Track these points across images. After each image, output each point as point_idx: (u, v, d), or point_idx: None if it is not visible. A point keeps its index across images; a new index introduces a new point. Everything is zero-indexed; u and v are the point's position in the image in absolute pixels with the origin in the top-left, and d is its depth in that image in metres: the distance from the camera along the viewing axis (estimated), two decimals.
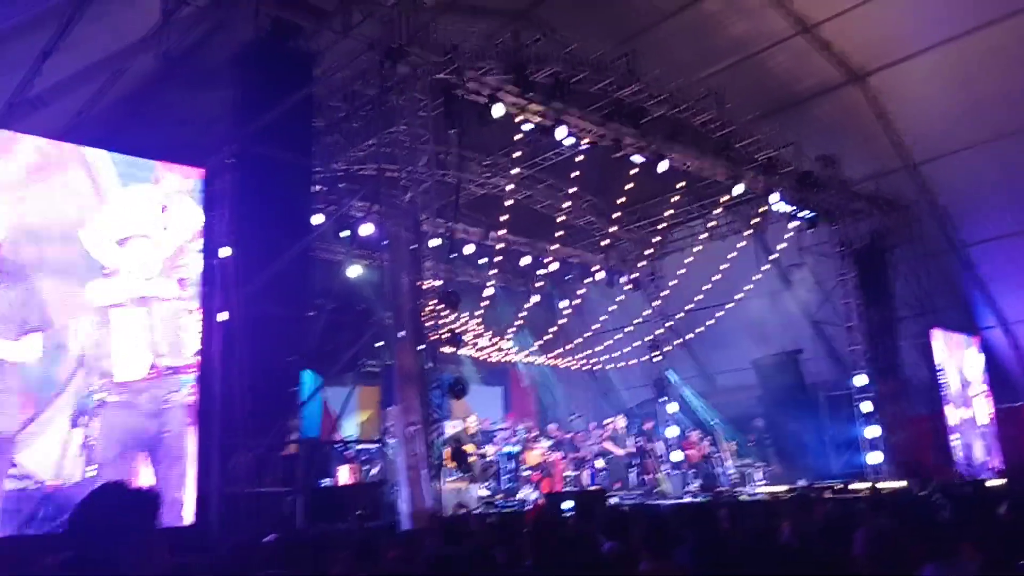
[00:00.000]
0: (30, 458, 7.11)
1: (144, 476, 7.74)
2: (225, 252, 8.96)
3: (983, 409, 17.41)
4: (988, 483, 11.59)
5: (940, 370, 16.00)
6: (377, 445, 13.99)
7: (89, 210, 7.96)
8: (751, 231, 16.90)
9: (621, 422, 16.16)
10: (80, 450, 7.35)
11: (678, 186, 15.61)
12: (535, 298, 18.28)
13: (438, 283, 10.41)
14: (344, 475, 13.18)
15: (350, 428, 15.86)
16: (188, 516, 7.94)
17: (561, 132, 12.14)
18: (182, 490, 7.97)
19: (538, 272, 18.06)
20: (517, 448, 14.39)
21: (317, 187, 10.85)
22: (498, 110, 11.16)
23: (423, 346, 9.66)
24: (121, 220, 8.11)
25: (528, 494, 13.31)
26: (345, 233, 13.77)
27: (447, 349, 10.89)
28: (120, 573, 1.98)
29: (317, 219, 11.08)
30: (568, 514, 9.51)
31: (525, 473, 14.14)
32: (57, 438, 7.26)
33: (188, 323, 8.41)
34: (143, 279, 8.14)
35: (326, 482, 12.51)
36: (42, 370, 7.34)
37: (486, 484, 13.38)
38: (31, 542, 6.83)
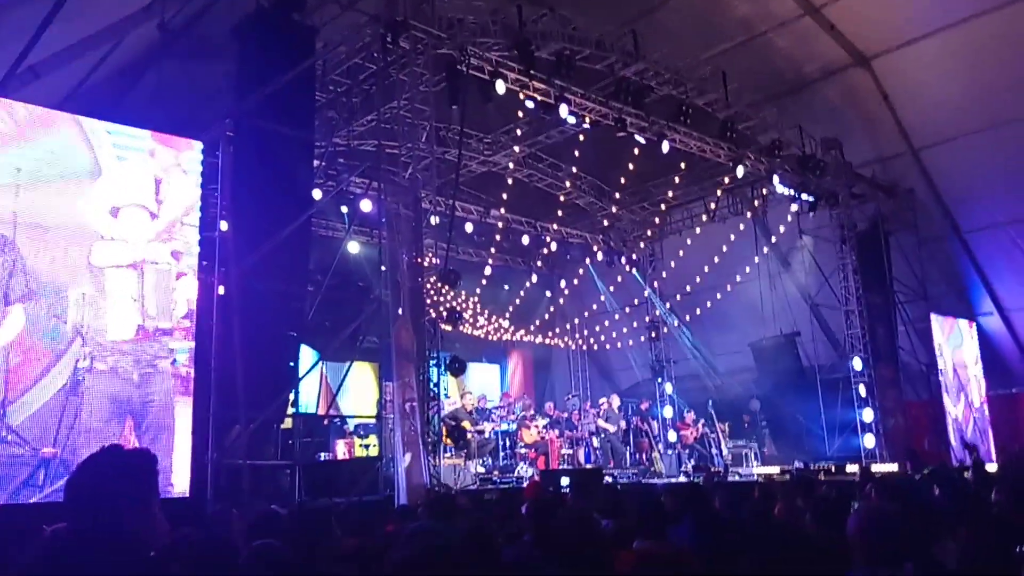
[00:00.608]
0: (27, 425, 7.17)
1: (130, 444, 7.76)
2: (223, 226, 8.94)
3: (977, 395, 17.50)
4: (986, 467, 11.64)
5: (938, 355, 16.06)
6: (374, 420, 14.06)
7: (87, 180, 7.94)
8: (751, 213, 16.88)
9: (615, 401, 16.24)
10: (74, 419, 7.40)
11: (680, 167, 15.58)
12: (535, 277, 18.30)
13: (437, 261, 10.39)
14: (341, 450, 13.26)
15: (347, 403, 15.92)
16: (178, 486, 7.97)
17: (563, 110, 12.07)
18: (169, 460, 7.95)
19: (538, 251, 18.05)
20: (514, 426, 14.46)
21: (317, 162, 10.79)
22: (501, 87, 11.09)
23: (422, 323, 9.67)
24: (116, 190, 8.10)
25: (524, 471, 13.39)
26: (344, 209, 13.75)
27: (446, 327, 10.90)
28: (120, 543, 1.97)
29: (316, 194, 11.04)
30: (564, 491, 9.57)
31: (522, 451, 14.22)
32: (53, 406, 7.31)
33: (178, 286, 8.38)
34: (135, 246, 8.13)
35: (324, 456, 12.60)
36: (39, 338, 7.36)
37: (482, 461, 13.45)
38: (30, 510, 6.89)
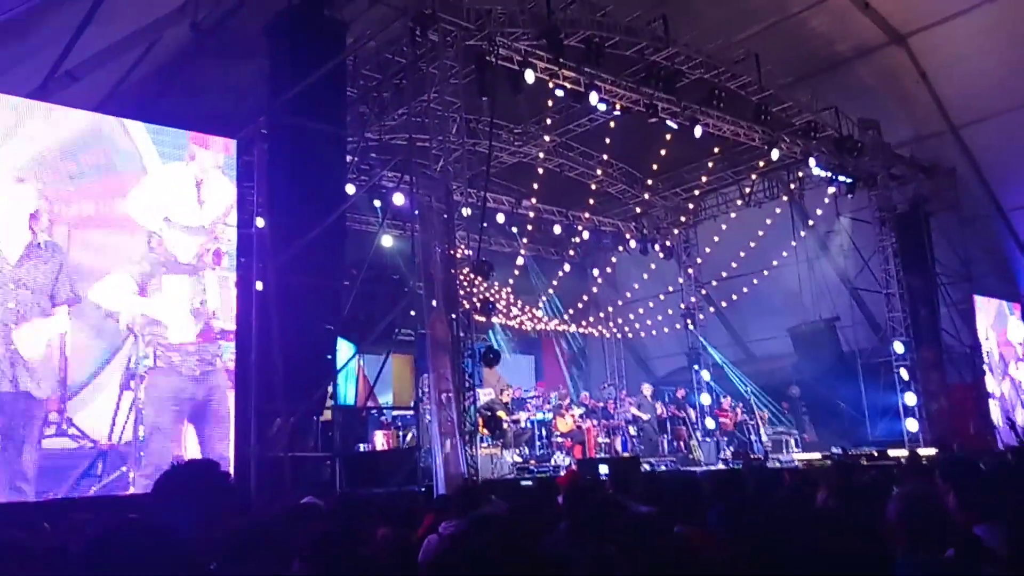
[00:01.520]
0: (84, 419, 7.53)
1: (190, 437, 8.07)
2: (260, 223, 9.07)
3: (1022, 375, 17.12)
4: None
5: (983, 338, 15.74)
6: (412, 412, 14.16)
7: (134, 184, 8.22)
8: (788, 197, 16.65)
9: (647, 390, 16.18)
10: (130, 413, 7.74)
11: (713, 152, 15.42)
12: (567, 266, 18.25)
13: (469, 252, 10.42)
14: (380, 441, 13.40)
15: (385, 395, 16.07)
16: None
17: (593, 98, 12.01)
18: (227, 452, 8.25)
19: (571, 240, 18.00)
20: (549, 415, 14.48)
21: (349, 157, 10.87)
22: (530, 76, 11.07)
23: (455, 315, 9.72)
24: (162, 193, 8.35)
25: (560, 460, 13.42)
26: (377, 203, 13.85)
27: (479, 318, 10.94)
28: (180, 537, 2.07)
29: (349, 189, 11.13)
30: (603, 478, 9.57)
31: (558, 440, 14.24)
32: (109, 401, 7.67)
33: (227, 292, 8.63)
34: (184, 250, 8.36)
35: (363, 448, 12.74)
36: (94, 337, 7.70)
37: (519, 451, 13.50)
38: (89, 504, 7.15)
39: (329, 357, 9.39)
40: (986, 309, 16.26)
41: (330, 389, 9.66)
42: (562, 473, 10.28)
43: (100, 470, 7.50)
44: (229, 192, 8.87)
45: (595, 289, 19.29)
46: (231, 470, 8.21)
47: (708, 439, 16.37)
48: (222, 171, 8.87)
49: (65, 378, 7.45)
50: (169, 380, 8.03)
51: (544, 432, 14.36)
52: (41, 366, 7.36)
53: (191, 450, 8.06)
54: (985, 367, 15.82)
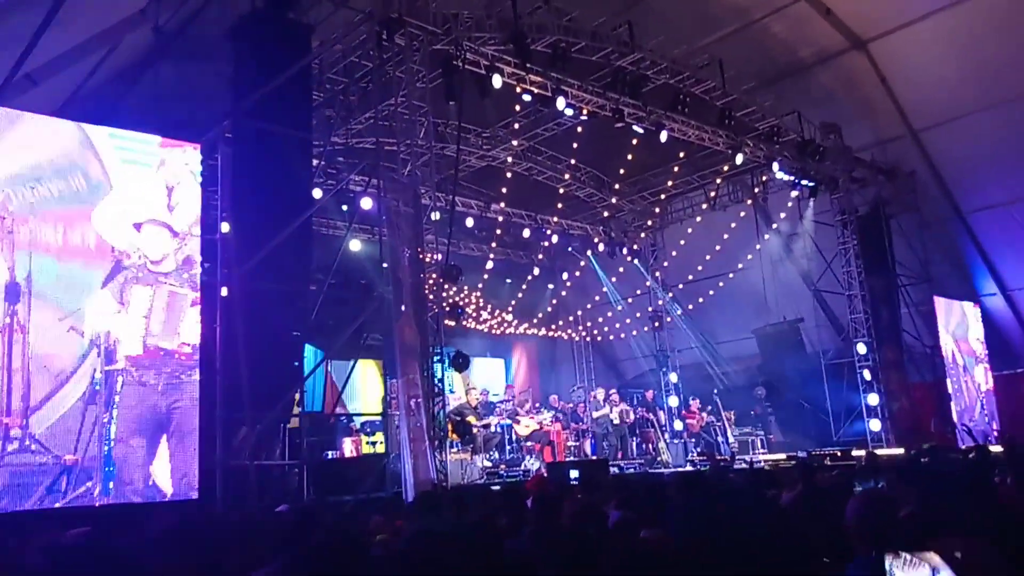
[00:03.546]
0: (48, 434, 7.37)
1: (159, 451, 7.93)
2: (225, 228, 8.96)
3: (983, 376, 17.50)
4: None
5: (945, 348, 16.07)
6: (380, 418, 14.10)
7: (99, 193, 8.03)
8: (752, 201, 16.86)
9: (600, 394, 16.21)
10: (93, 427, 7.59)
11: (679, 156, 15.56)
12: (536, 270, 18.30)
13: (438, 257, 10.40)
14: (348, 448, 13.31)
15: (354, 401, 15.97)
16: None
17: (560, 103, 12.06)
18: (194, 464, 8.12)
19: (540, 244, 18.05)
20: (508, 421, 14.48)
21: (316, 161, 10.80)
22: (497, 81, 11.09)
23: (425, 320, 9.69)
24: (131, 204, 8.20)
25: (531, 464, 13.44)
26: (345, 207, 13.75)
27: (449, 322, 10.92)
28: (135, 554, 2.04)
29: (316, 193, 11.05)
30: (573, 483, 9.61)
31: (528, 444, 14.26)
32: (74, 415, 7.52)
33: (194, 303, 8.51)
34: (152, 261, 8.25)
35: (331, 455, 12.65)
36: (56, 351, 7.51)
37: (489, 455, 13.49)
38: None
39: (296, 364, 9.30)
40: (945, 310, 16.60)
41: (297, 396, 9.57)
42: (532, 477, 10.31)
43: (64, 485, 7.36)
44: (198, 196, 8.79)
45: (564, 293, 19.36)
46: (196, 481, 8.11)
47: (676, 440, 16.51)
48: (193, 175, 8.76)
49: (28, 393, 7.28)
50: (135, 393, 7.87)
51: (514, 436, 14.37)
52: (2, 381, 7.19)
53: (159, 464, 7.92)
54: (947, 365, 16.14)
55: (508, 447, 14.23)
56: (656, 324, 18.62)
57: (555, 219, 17.50)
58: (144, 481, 7.81)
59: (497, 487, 9.97)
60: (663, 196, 17.65)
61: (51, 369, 7.45)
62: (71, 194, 7.83)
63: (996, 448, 13.17)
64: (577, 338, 20.37)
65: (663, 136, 13.42)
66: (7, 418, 7.17)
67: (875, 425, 15.00)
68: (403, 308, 9.58)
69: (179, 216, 8.53)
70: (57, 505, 7.28)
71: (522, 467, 13.30)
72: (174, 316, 8.30)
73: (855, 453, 12.41)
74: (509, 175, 15.36)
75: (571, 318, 19.85)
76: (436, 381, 9.78)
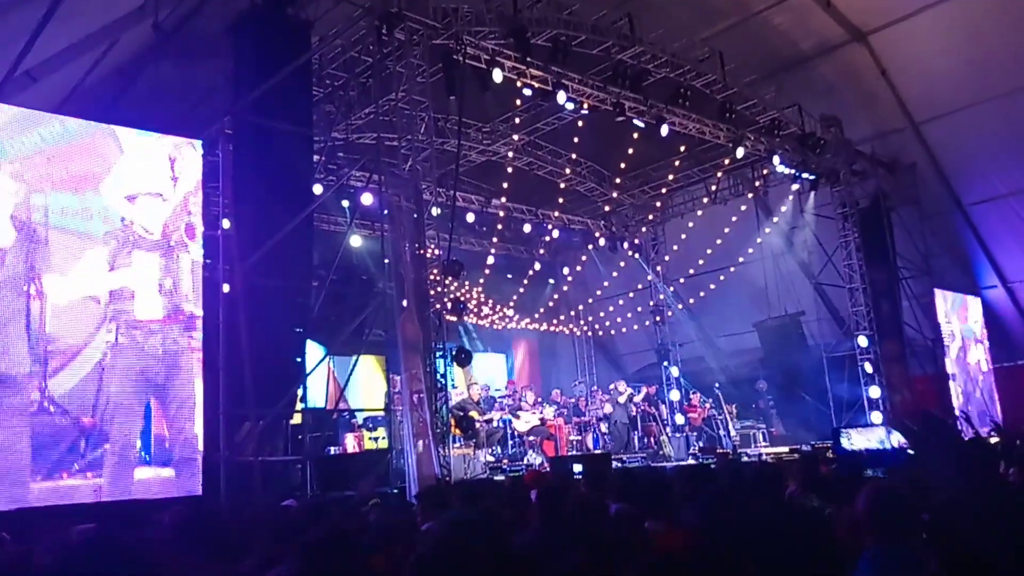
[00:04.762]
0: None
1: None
2: (226, 224, 8.95)
3: (984, 368, 17.51)
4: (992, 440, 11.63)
5: (945, 328, 16.06)
6: (383, 413, 14.10)
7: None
8: (753, 194, 16.85)
9: (622, 387, 16.27)
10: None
11: (680, 150, 15.54)
12: (537, 265, 18.29)
13: (440, 252, 10.40)
14: (351, 443, 13.32)
15: (356, 397, 15.97)
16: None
17: (561, 97, 12.04)
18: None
19: (541, 239, 18.04)
20: (510, 416, 14.49)
21: (317, 157, 10.78)
22: (498, 75, 11.06)
23: (427, 315, 9.69)
24: (134, 174, 8.38)
25: (533, 458, 13.45)
26: (346, 203, 13.75)
27: (451, 318, 10.92)
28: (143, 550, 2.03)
29: (317, 189, 11.03)
30: (577, 477, 9.61)
31: (530, 439, 14.27)
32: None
33: (198, 274, 8.69)
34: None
35: (333, 450, 12.66)
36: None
37: (492, 450, 13.50)
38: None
39: (298, 360, 9.30)
40: (946, 302, 16.60)
41: (300, 392, 9.57)
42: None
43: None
44: (198, 165, 8.92)
45: (566, 287, 19.36)
46: (199, 475, 8.16)
47: (678, 434, 16.52)
48: (192, 145, 8.94)
49: (46, 358, 7.53)
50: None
51: (517, 431, 14.38)
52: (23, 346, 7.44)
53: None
54: (948, 357, 16.13)
55: (511, 442, 14.24)
56: (657, 318, 18.62)
57: (556, 214, 17.49)
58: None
59: (506, 481, 9.96)
60: (664, 190, 17.64)
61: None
62: (85, 160, 8.04)
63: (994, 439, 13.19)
64: (579, 333, 20.39)
65: (664, 130, 13.41)
66: (28, 382, 7.43)
67: (876, 418, 15.00)
68: (405, 304, 9.57)
69: (180, 187, 8.70)
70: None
71: (524, 461, 13.31)
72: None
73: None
74: (510, 170, 15.34)
75: (572, 313, 19.86)
76: (438, 376, 9.79)
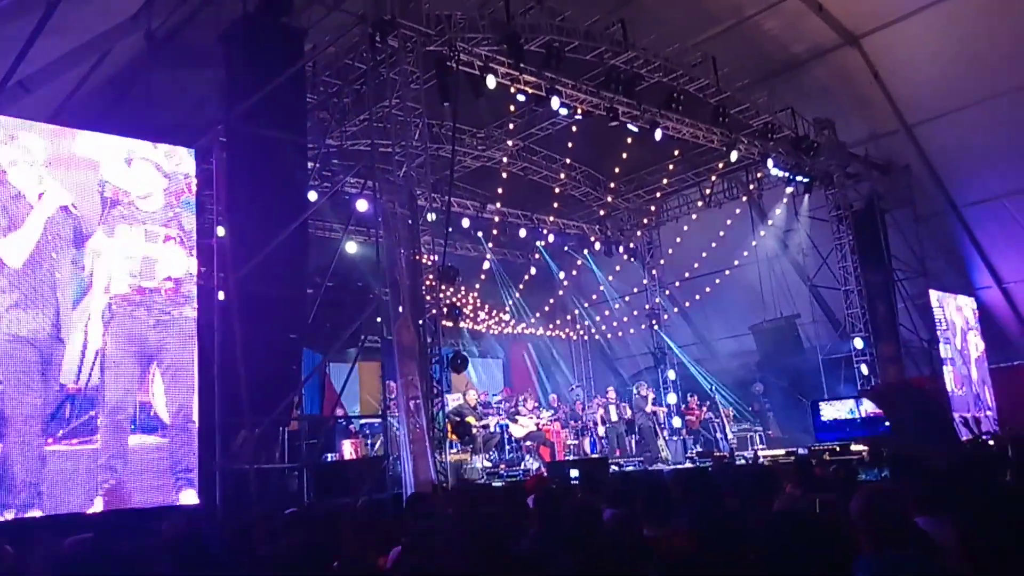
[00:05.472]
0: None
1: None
2: (220, 232, 8.94)
3: (980, 369, 17.54)
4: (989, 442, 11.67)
5: (943, 332, 16.09)
6: (379, 420, 14.06)
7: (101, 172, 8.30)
8: (747, 197, 16.89)
9: (611, 395, 16.25)
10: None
11: (674, 154, 15.59)
12: (533, 269, 18.30)
13: (435, 258, 10.40)
14: (348, 450, 13.28)
15: (353, 403, 15.94)
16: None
17: (555, 102, 12.07)
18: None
19: (536, 243, 18.06)
20: (506, 421, 14.46)
21: (311, 164, 10.78)
22: (491, 81, 11.09)
23: (422, 321, 9.69)
24: (126, 179, 8.40)
25: (530, 463, 13.44)
26: (340, 210, 13.74)
27: (446, 323, 10.91)
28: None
29: (311, 196, 11.03)
30: (574, 482, 9.60)
31: (528, 443, 14.26)
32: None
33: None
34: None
35: (330, 457, 12.62)
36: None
37: (489, 455, 13.49)
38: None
39: (294, 367, 9.29)
40: (941, 303, 16.62)
41: (296, 399, 9.55)
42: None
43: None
44: (192, 173, 8.98)
45: (561, 292, 19.37)
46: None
47: (675, 438, 16.51)
48: (186, 154, 8.98)
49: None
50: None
51: (513, 436, 14.36)
52: None
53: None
54: (945, 359, 16.14)
55: (507, 447, 14.22)
56: (654, 322, 18.64)
57: (551, 218, 17.51)
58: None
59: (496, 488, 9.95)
60: (659, 194, 17.69)
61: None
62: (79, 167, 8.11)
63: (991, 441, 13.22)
64: (575, 337, 20.39)
65: (658, 134, 13.45)
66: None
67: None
68: (400, 310, 9.57)
69: (172, 192, 8.69)
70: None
71: (522, 467, 13.30)
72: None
73: (854, 448, 12.41)
74: (505, 175, 15.37)
75: (568, 317, 19.86)
76: (435, 382, 9.78)
